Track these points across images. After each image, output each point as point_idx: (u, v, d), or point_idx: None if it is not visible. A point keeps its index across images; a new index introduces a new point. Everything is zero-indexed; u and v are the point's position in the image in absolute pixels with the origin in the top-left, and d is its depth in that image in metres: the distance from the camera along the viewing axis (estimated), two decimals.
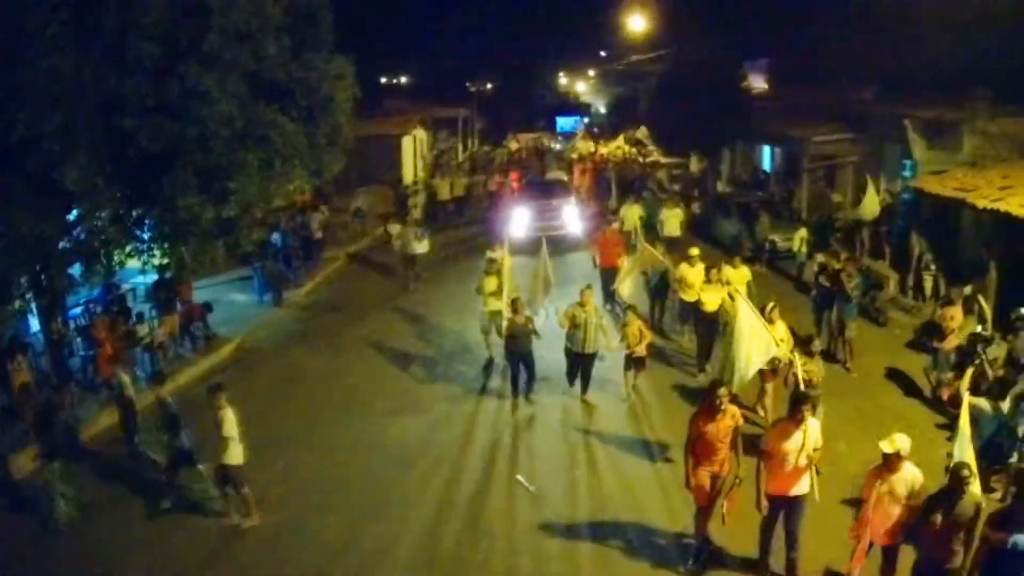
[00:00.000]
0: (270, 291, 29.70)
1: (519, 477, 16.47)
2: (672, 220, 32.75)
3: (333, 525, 15.09)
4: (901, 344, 22.97)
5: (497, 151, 74.81)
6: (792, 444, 12.09)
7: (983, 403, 14.58)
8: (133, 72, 17.21)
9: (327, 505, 15.79)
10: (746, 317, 16.73)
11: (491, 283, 22.37)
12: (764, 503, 12.36)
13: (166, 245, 20.52)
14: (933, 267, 25.43)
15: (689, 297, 22.60)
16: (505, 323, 20.01)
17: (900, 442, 11.22)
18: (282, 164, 20.75)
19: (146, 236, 20.28)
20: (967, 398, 13.19)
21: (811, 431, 12.23)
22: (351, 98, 23.94)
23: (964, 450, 11.63)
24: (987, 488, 13.54)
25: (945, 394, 18.31)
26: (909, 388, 19.95)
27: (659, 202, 37.02)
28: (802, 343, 17.00)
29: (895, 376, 20.67)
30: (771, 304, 18.28)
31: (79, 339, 21.81)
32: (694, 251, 23.52)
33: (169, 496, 15.81)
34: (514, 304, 20.08)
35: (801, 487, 12.34)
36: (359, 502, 15.86)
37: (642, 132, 74.44)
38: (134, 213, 19.67)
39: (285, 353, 24.65)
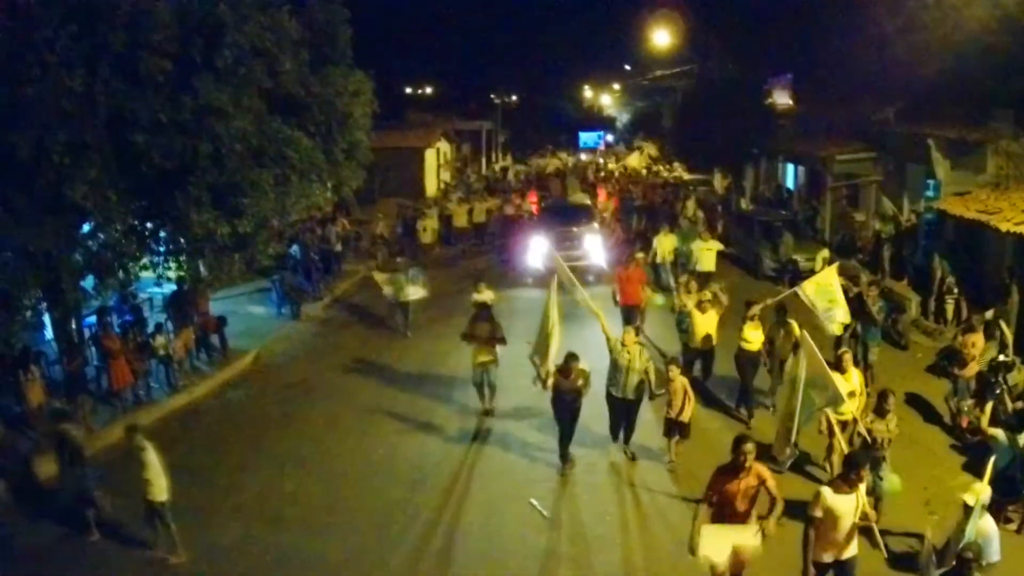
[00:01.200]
0: (288, 304, 29.63)
1: (533, 501, 16.21)
2: (707, 254, 29.71)
3: (336, 547, 14.95)
4: (922, 368, 22.73)
5: (515, 167, 73.64)
6: (844, 507, 11.08)
7: (1000, 434, 14.39)
8: (144, 87, 17.15)
9: (333, 525, 15.68)
10: (811, 361, 15.09)
11: (481, 329, 19.91)
12: (812, 572, 11.27)
13: (182, 259, 20.48)
14: (955, 290, 25.13)
15: (691, 342, 21.02)
16: (551, 380, 17.49)
17: (981, 494, 11.09)
18: (299, 180, 20.71)
19: (161, 249, 20.25)
20: (977, 498, 11.62)
21: (862, 495, 11.47)
22: (369, 113, 24.00)
23: (974, 529, 11.36)
24: (1003, 519, 13.37)
25: (964, 422, 18.18)
26: (928, 414, 19.68)
27: (694, 232, 33.43)
28: (879, 398, 15.33)
29: (915, 402, 20.38)
30: (844, 349, 17.33)
31: (93, 348, 21.63)
32: (706, 294, 21.42)
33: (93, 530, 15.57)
34: (566, 365, 17.11)
35: (851, 550, 11.42)
36: (365, 523, 15.71)
37: (641, 143, 75.60)
38: (148, 227, 19.67)
39: (301, 368, 24.52)
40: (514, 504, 16.26)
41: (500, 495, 16.68)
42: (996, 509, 12.96)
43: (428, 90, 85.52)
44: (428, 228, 39.91)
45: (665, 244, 31.49)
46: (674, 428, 17.55)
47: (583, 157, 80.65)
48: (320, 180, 22.40)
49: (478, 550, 14.77)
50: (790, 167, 46.14)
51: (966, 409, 18.19)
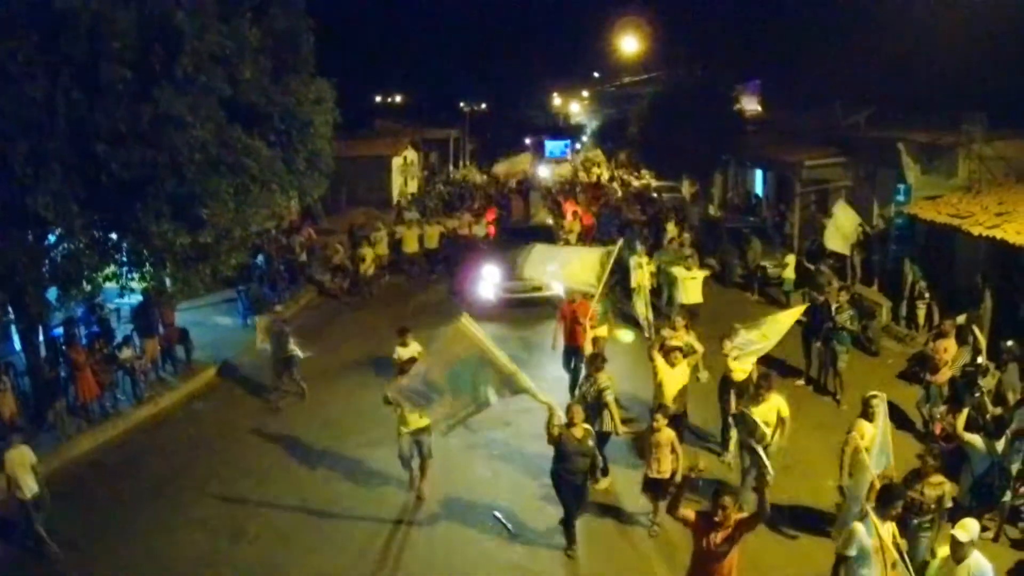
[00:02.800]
0: (253, 315, 29.21)
1: (496, 514, 15.93)
2: (691, 284, 26.00)
3: (301, 561, 14.78)
4: (893, 375, 22.55)
5: (477, 174, 72.13)
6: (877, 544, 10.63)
7: (977, 440, 14.15)
8: (105, 97, 16.88)
9: (297, 540, 15.52)
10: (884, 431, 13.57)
11: None
12: None
13: (146, 270, 20.15)
14: (927, 295, 25.06)
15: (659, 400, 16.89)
16: (555, 430, 14.08)
17: (972, 529, 10.30)
18: (259, 189, 20.38)
19: (124, 260, 19.91)
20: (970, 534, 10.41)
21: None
22: (331, 122, 23.59)
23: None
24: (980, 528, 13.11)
25: (937, 428, 17.93)
26: (901, 421, 19.27)
27: (679, 257, 28.50)
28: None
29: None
30: (873, 393, 14.42)
31: (61, 360, 21.34)
32: (677, 338, 18.35)
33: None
34: (570, 413, 14.29)
35: None
36: (331, 537, 15.55)
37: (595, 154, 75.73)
38: (111, 238, 19.37)
39: (266, 379, 23.78)
40: (480, 518, 15.99)
41: (469, 501, 16.46)
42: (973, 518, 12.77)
43: (398, 99, 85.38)
44: (367, 257, 34.13)
45: (640, 271, 25.42)
46: (658, 488, 14.95)
47: (541, 172, 75.11)
48: (282, 189, 22.06)
49: (447, 562, 14.55)
50: (759, 173, 46.08)
51: (939, 415, 17.96)
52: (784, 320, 17.73)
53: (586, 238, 40.18)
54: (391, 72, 76.96)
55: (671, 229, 36.56)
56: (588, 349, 18.77)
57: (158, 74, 17.41)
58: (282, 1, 22.21)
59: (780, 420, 15.14)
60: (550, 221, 41.05)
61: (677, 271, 26.72)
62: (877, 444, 13.24)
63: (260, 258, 31.84)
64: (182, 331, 25.12)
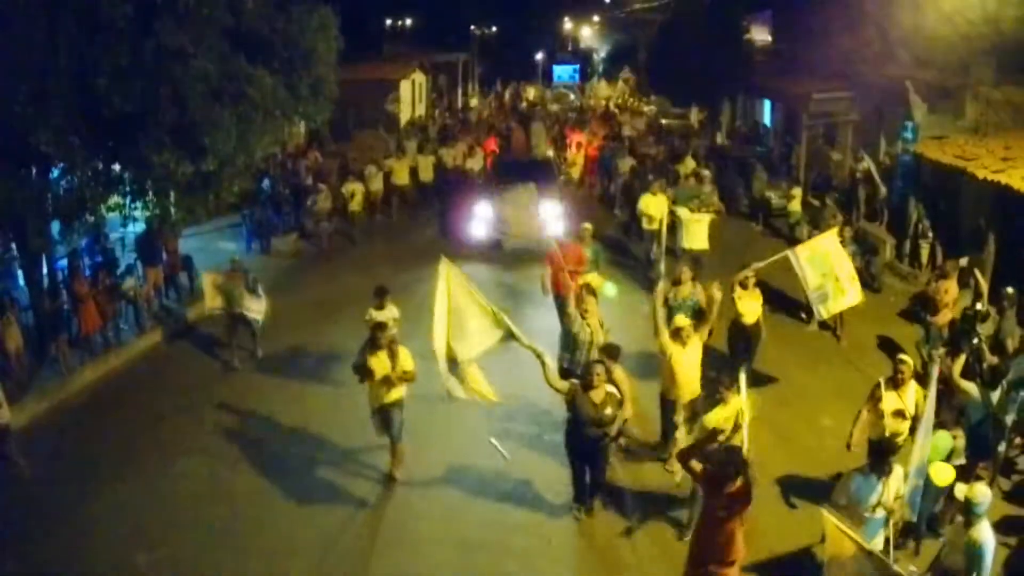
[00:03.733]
0: (258, 239, 29.32)
1: (493, 440, 15.93)
2: (696, 227, 23.63)
3: (293, 487, 15.07)
4: (894, 312, 22.67)
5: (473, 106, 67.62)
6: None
7: (972, 388, 14.07)
8: (106, 33, 16.77)
9: (291, 465, 15.79)
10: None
11: (379, 362, 14.53)
12: None
13: (148, 199, 20.10)
14: (930, 234, 25.13)
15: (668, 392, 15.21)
16: (564, 387, 13.15)
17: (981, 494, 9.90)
18: (263, 117, 20.25)
19: (127, 191, 19.87)
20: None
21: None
22: (335, 48, 23.35)
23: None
24: (973, 477, 13.08)
25: (936, 371, 17.86)
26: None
27: (696, 195, 25.58)
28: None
29: (886, 346, 20.33)
30: (903, 359, 13.85)
31: (64, 292, 21.29)
32: (682, 320, 15.30)
33: None
34: (590, 373, 12.98)
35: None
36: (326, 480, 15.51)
37: (624, 74, 73.59)
38: (114, 169, 19.27)
39: (270, 304, 23.24)
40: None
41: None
42: (967, 468, 12.81)
43: (408, 22, 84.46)
44: (356, 193, 32.08)
45: (653, 206, 24.34)
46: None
47: (548, 97, 72.92)
48: (286, 116, 22.10)
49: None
50: (767, 104, 45.86)
51: (938, 357, 17.93)
52: (826, 248, 17.01)
53: (589, 173, 39.92)
54: None
55: (688, 163, 33.86)
56: (573, 302, 16.18)
57: (160, 7, 17.28)
58: None
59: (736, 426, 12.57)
60: (551, 153, 40.21)
61: (682, 212, 23.88)
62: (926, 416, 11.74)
63: (266, 183, 31.75)
64: (185, 258, 25.17)
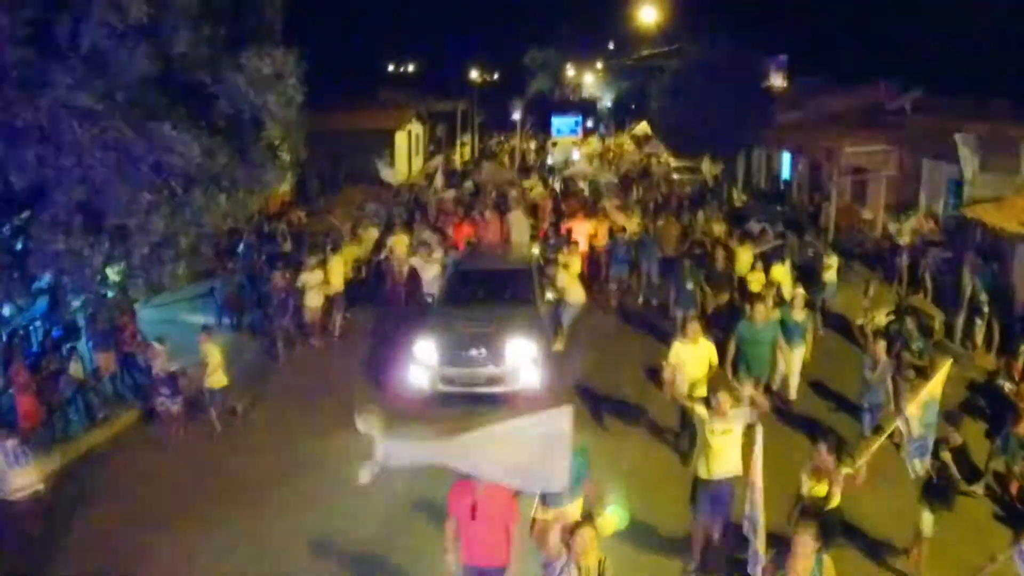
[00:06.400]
0: (228, 315, 26.23)
1: None
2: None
3: None
4: (956, 404, 19.42)
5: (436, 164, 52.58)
6: None
7: None
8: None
9: None
10: None
11: None
12: None
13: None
14: (986, 310, 22.21)
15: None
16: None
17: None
18: (202, 191, 16.93)
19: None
20: None
21: None
22: (295, 102, 19.35)
23: None
24: None
25: (1015, 487, 15.29)
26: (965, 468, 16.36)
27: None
28: None
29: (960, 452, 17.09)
30: None
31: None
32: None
33: None
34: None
35: None
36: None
37: (642, 128, 69.47)
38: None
39: (238, 393, 20.54)
40: None
41: None
42: None
43: (410, 68, 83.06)
44: (309, 284, 24.08)
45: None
46: None
47: (549, 159, 61.67)
48: (233, 187, 18.54)
49: None
50: (786, 156, 42.99)
51: (1018, 472, 15.27)
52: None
53: (593, 278, 28.37)
54: (400, 39, 74.41)
55: (779, 272, 23.65)
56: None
57: (63, 50, 14.16)
58: None
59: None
60: (536, 251, 26.84)
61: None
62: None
63: (242, 247, 28.88)
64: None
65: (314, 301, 24.19)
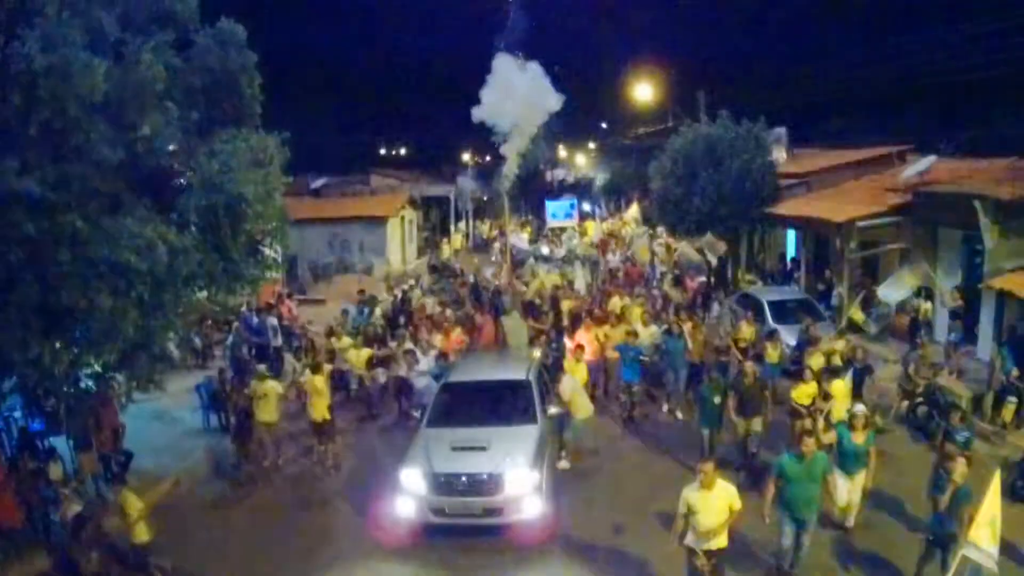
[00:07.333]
0: (216, 412, 24.80)
1: None
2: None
3: None
4: (986, 488, 17.98)
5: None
6: None
7: None
8: None
9: None
10: None
11: None
12: None
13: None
14: (1019, 386, 21.19)
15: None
16: None
17: None
18: (172, 291, 15.38)
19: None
20: None
21: None
22: (277, 190, 17.97)
23: None
24: None
25: None
26: (1011, 554, 15.06)
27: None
28: None
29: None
30: None
31: None
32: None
33: None
34: None
35: None
36: None
37: (632, 212, 68.00)
38: None
39: (223, 504, 19.82)
40: None
41: None
42: None
43: (403, 151, 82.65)
44: (268, 394, 21.30)
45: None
46: None
47: (544, 249, 57.42)
48: (210, 285, 17.05)
49: None
50: (790, 233, 41.86)
51: None
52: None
53: (601, 385, 26.01)
54: (393, 122, 74.00)
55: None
56: None
57: (11, 129, 12.78)
58: (214, 33, 17.22)
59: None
60: (537, 353, 24.64)
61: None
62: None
63: (230, 339, 27.58)
64: (113, 431, 20.84)
65: (265, 415, 21.25)
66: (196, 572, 16.55)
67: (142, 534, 15.70)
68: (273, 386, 21.26)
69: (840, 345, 22.32)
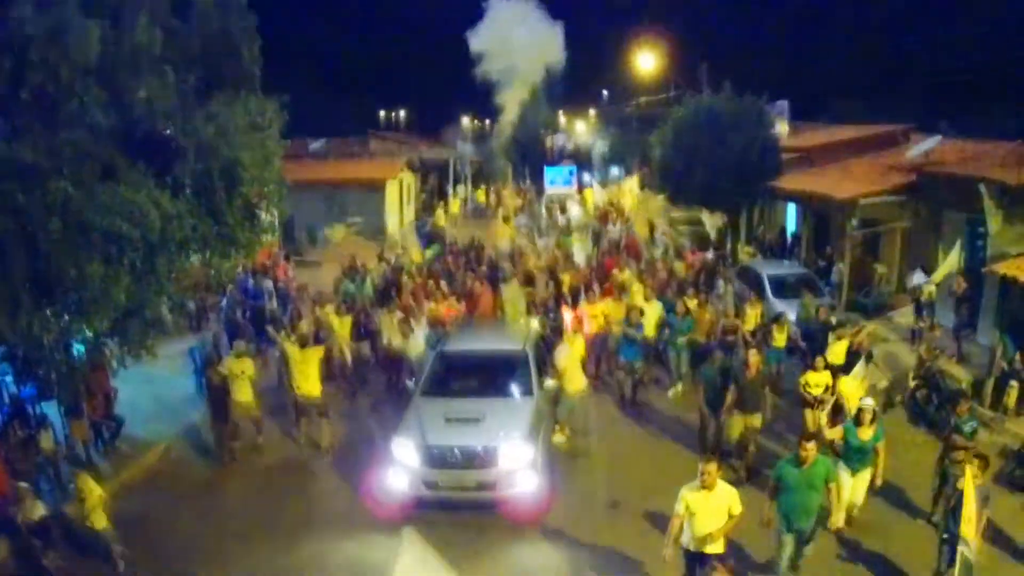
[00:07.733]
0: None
1: None
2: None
3: None
4: (990, 474, 17.80)
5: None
6: None
7: None
8: None
9: None
10: None
11: None
12: None
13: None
14: (1021, 371, 21.13)
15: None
16: None
17: None
18: (167, 259, 15.22)
19: None
20: None
21: None
22: (276, 155, 17.84)
23: None
24: None
25: None
26: (1009, 548, 15.19)
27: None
28: None
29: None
30: None
31: None
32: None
33: None
34: None
35: None
36: None
37: (630, 184, 67.33)
38: None
39: (216, 471, 19.77)
40: None
41: None
42: None
43: (402, 114, 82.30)
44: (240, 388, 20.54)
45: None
46: None
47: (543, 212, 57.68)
48: (205, 250, 16.86)
49: None
50: (791, 207, 41.59)
51: None
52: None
53: (596, 362, 25.50)
54: (393, 86, 73.79)
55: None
56: None
57: (4, 95, 12.53)
58: None
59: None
60: (535, 324, 24.19)
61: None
62: None
63: (224, 302, 27.31)
64: (105, 396, 20.53)
65: (242, 395, 20.45)
66: (180, 548, 16.27)
67: (100, 520, 15.39)
68: (250, 364, 20.69)
69: (861, 337, 21.73)
